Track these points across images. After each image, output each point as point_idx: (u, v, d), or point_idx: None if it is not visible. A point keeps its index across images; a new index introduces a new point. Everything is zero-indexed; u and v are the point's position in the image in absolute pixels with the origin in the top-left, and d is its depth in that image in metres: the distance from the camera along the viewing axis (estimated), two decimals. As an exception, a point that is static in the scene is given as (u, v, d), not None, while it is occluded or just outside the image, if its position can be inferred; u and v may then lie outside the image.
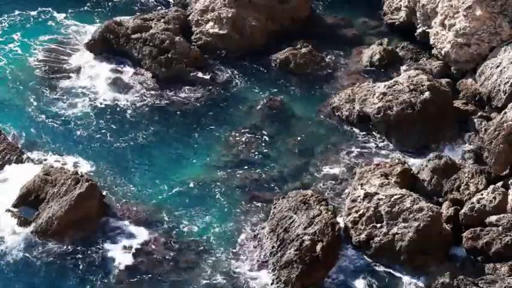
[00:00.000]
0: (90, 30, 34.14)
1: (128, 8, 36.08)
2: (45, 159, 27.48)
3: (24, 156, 27.01)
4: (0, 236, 24.66)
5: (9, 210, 25.09)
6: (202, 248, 24.80)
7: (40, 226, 24.44)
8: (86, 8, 35.86)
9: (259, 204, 26.37)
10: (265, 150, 28.68)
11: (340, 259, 24.32)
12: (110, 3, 36.34)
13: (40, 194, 25.44)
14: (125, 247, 24.58)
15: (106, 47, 32.85)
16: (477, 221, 24.77)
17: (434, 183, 26.34)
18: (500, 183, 25.69)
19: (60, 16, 35.11)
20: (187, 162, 28.11)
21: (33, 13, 35.19)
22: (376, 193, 25.07)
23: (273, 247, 24.25)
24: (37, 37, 33.79)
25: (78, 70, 32.10)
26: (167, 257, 24.40)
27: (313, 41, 33.60)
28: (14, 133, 28.57)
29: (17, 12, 35.14)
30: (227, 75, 32.19)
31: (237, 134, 29.29)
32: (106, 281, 23.59)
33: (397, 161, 27.10)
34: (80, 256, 24.18)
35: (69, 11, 35.41)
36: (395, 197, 24.76)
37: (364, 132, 29.51)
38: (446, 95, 29.45)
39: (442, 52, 31.85)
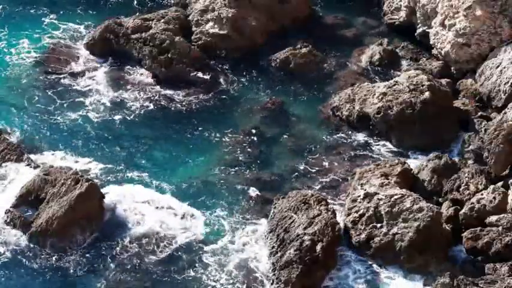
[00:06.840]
0: (88, 30, 34.17)
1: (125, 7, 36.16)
2: (45, 159, 27.44)
3: (24, 156, 26.99)
4: (0, 236, 24.74)
5: (9, 211, 25.07)
6: (202, 248, 24.80)
7: (40, 226, 24.40)
8: (81, 8, 35.85)
9: (259, 204, 26.37)
10: (265, 150, 28.67)
11: (340, 259, 24.32)
12: (106, 3, 36.36)
13: (40, 194, 25.40)
14: (124, 246, 24.58)
15: (106, 47, 32.83)
16: (477, 221, 24.75)
17: (434, 183, 26.32)
18: (500, 183, 25.64)
19: (56, 16, 35.14)
20: (187, 163, 28.10)
21: (31, 12, 35.23)
22: (376, 193, 25.06)
23: (273, 247, 24.26)
24: (35, 37, 33.76)
25: (77, 70, 32.09)
26: (168, 257, 24.40)
27: (313, 41, 33.60)
28: (14, 133, 28.57)
29: (6, 10, 35.30)
30: (227, 75, 32.18)
31: (236, 134, 29.28)
32: (106, 281, 23.58)
33: (397, 161, 27.06)
34: (80, 256, 24.17)
35: (65, 11, 35.40)
36: (396, 197, 24.75)
37: (364, 132, 29.50)
38: (446, 95, 29.45)
39: (442, 52, 31.85)
